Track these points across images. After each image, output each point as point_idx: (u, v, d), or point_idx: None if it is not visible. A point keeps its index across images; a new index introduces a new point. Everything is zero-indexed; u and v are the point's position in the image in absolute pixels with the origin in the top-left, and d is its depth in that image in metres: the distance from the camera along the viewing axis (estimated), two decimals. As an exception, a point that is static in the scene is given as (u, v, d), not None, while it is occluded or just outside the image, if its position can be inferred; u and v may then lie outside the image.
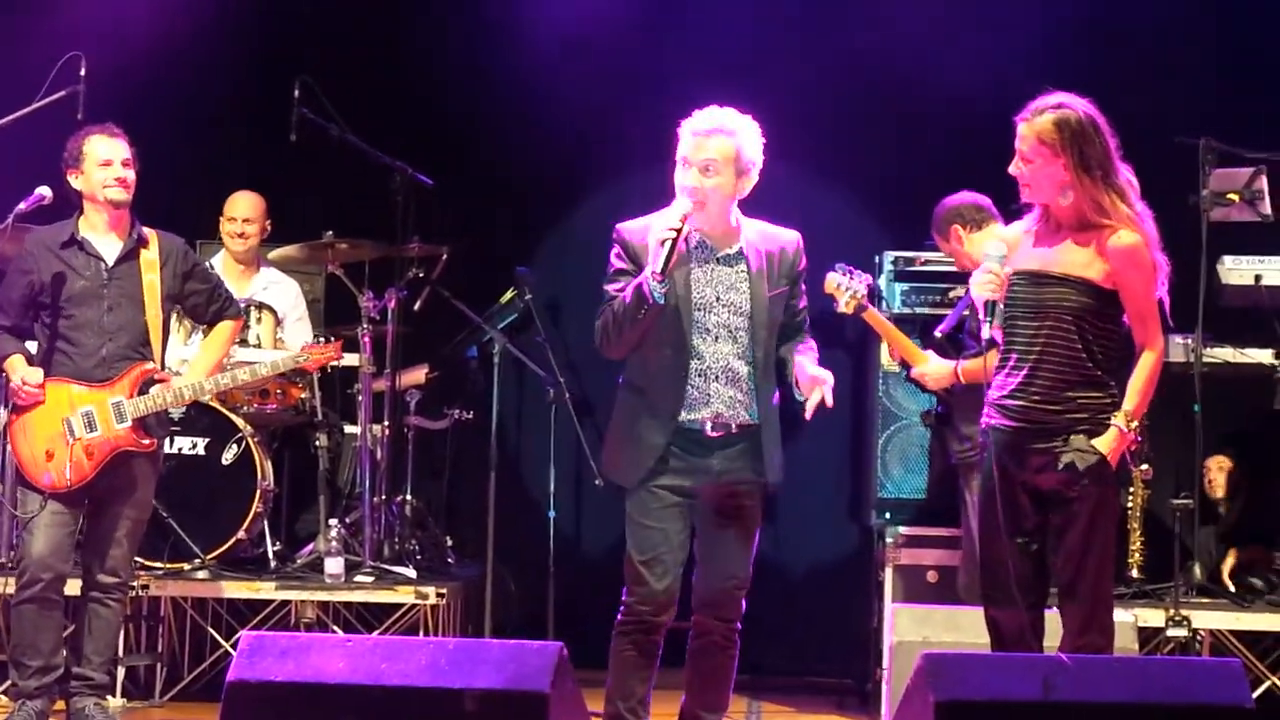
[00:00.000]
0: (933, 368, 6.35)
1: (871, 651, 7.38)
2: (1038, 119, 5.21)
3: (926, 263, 7.49)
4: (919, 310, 7.45)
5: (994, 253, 5.30)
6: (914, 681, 4.86)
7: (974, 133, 7.24)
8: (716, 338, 5.41)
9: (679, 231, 5.27)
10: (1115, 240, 5.18)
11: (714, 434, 5.40)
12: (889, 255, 7.56)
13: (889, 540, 7.30)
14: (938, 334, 5.81)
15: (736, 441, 5.44)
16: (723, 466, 5.44)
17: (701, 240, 5.45)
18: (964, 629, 6.01)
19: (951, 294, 7.35)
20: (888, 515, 7.41)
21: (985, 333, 5.29)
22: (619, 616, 5.48)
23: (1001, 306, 5.25)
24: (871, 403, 7.60)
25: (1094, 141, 5.18)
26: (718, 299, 5.42)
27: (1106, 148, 5.20)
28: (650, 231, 5.34)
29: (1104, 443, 5.15)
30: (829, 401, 5.37)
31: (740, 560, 5.52)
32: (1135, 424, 5.22)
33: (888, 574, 7.28)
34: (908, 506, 7.42)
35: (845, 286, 5.96)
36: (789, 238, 5.55)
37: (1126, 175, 5.25)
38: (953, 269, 7.10)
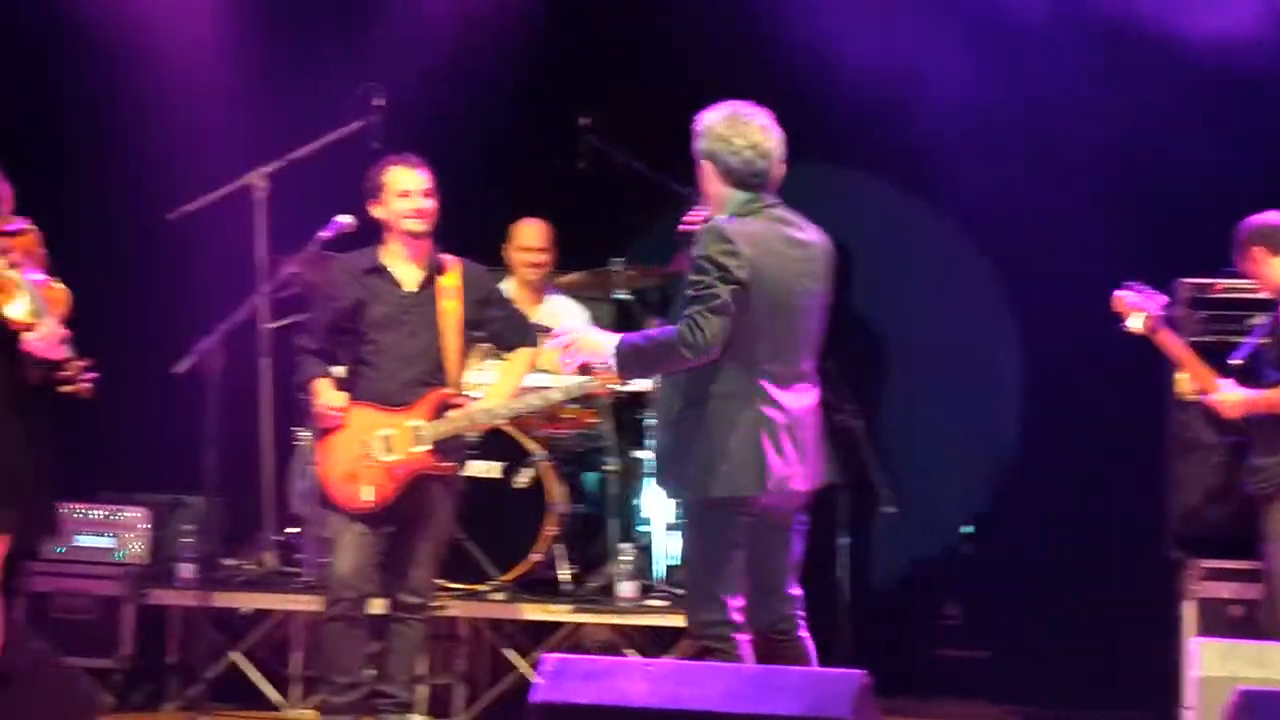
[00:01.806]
0: (1229, 395, 6.18)
1: (1171, 687, 7.20)
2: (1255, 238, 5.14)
3: (1226, 289, 7.29)
4: (1215, 338, 7.24)
5: None
6: (1229, 718, 4.73)
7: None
8: None
9: None
10: None
11: None
12: (1184, 281, 7.37)
13: (1189, 573, 7.12)
14: (1233, 362, 5.67)
15: None
16: None
17: None
18: (1274, 665, 5.83)
19: (1248, 321, 7.14)
20: (1187, 547, 7.23)
21: None
22: None
23: None
24: (1167, 431, 7.43)
25: None
26: None
27: None
28: None
29: None
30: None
31: None
32: None
33: (1187, 608, 7.10)
34: (1208, 538, 7.22)
35: (1135, 304, 5.84)
36: None
37: None
38: (1250, 295, 6.91)
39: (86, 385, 5.59)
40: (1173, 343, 6.13)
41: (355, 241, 6.71)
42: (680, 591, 7.34)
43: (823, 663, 6.14)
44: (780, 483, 5.33)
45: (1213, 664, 6.07)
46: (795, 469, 5.35)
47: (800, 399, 5.39)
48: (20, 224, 5.72)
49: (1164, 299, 5.90)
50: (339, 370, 6.59)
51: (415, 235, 6.53)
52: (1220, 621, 7.02)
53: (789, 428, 5.34)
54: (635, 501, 7.78)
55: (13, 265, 5.60)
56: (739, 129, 5.42)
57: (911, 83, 8.19)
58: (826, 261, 5.47)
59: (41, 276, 5.65)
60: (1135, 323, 5.81)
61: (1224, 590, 7.11)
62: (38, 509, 5.80)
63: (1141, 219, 8.01)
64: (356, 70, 7.97)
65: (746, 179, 5.41)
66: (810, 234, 5.46)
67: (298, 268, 7.01)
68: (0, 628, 5.73)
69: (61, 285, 5.69)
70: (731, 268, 5.24)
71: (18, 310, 5.56)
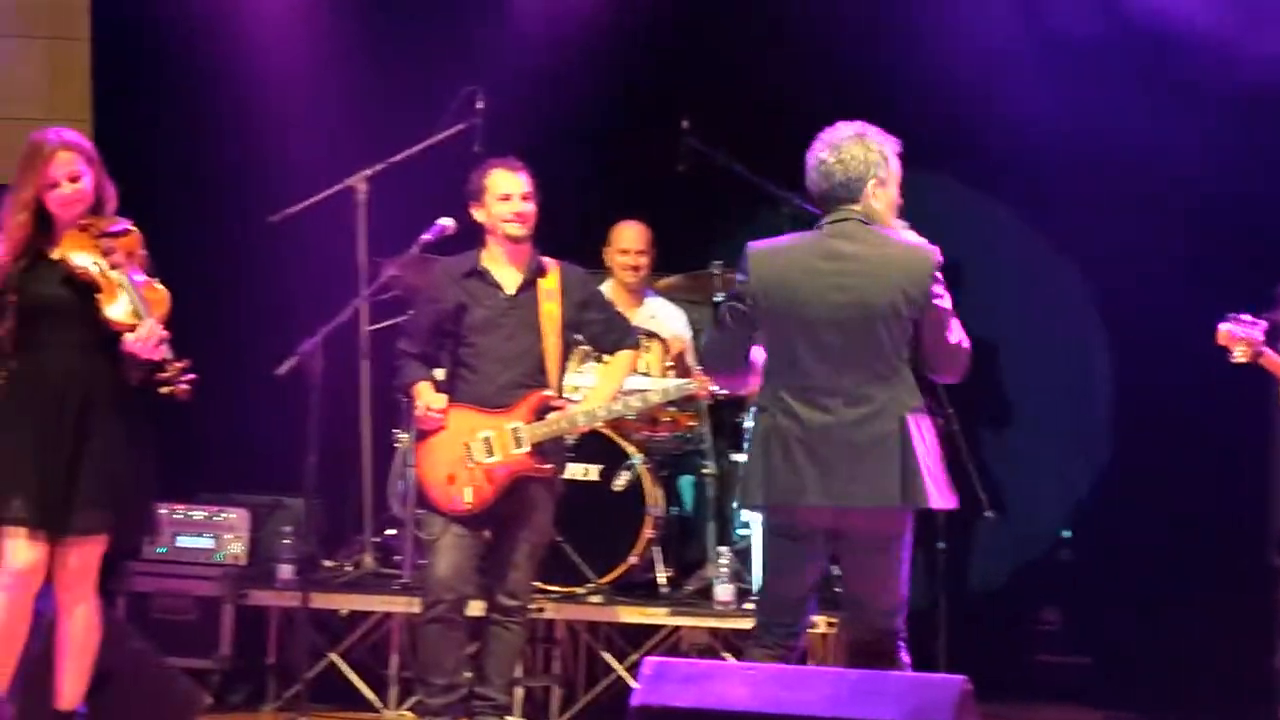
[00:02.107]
0: None
1: (1270, 695, 7.12)
2: None
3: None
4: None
5: None
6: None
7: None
8: None
9: None
10: None
11: None
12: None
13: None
14: None
15: None
16: None
17: None
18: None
19: None
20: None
21: None
22: None
23: None
24: (1270, 438, 7.34)
25: None
26: None
27: None
28: None
29: None
30: None
31: None
32: None
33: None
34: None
35: (1240, 335, 5.83)
36: None
37: None
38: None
39: (185, 387, 5.64)
40: (1274, 362, 6.09)
41: (456, 244, 6.73)
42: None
43: (922, 669, 6.12)
44: (785, 495, 5.31)
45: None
46: (807, 483, 5.28)
47: (831, 415, 5.29)
48: (123, 225, 5.78)
49: (1264, 324, 5.85)
50: (439, 373, 6.61)
51: (515, 240, 6.55)
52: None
53: (804, 440, 5.29)
54: (733, 504, 7.75)
55: (115, 266, 5.67)
56: (816, 149, 5.48)
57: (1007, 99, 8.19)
58: (887, 273, 5.33)
59: (143, 277, 5.72)
60: (1240, 354, 5.81)
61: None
62: (138, 510, 5.87)
63: (1231, 224, 7.97)
64: (459, 72, 7.99)
65: (816, 198, 5.50)
66: (864, 247, 5.35)
67: (398, 270, 7.04)
68: (99, 627, 5.80)
69: (162, 287, 5.75)
70: (737, 288, 5.46)
71: (119, 311, 5.62)
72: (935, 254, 5.38)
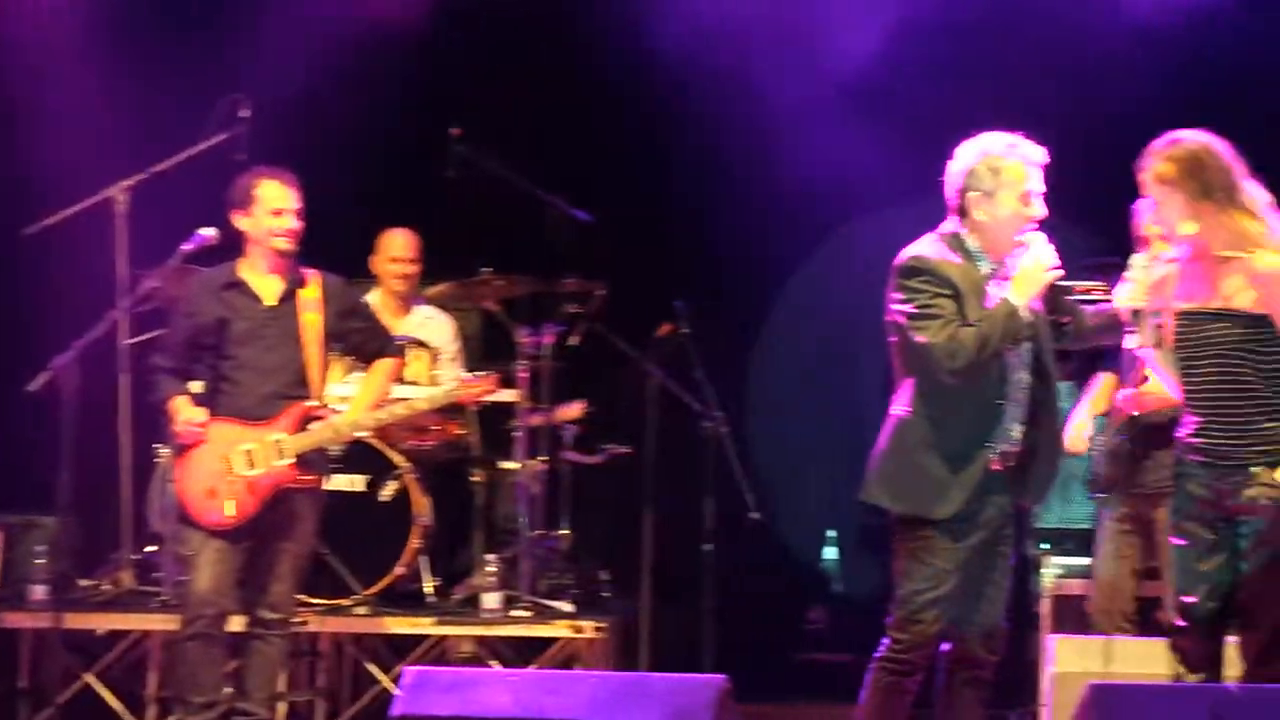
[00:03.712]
0: None
1: (1028, 683, 7.27)
2: (1152, 161, 5.22)
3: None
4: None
5: (1140, 262, 5.29)
6: (1080, 714, 4.81)
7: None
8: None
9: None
10: (1255, 263, 5.12)
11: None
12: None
13: (1047, 570, 7.20)
14: None
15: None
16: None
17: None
18: (1126, 660, 5.93)
19: None
20: (1046, 545, 7.31)
21: (1131, 343, 5.30)
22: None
23: (1150, 315, 5.22)
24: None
25: (1211, 167, 5.16)
26: None
27: (1227, 171, 5.17)
28: (1030, 262, 5.33)
29: None
30: None
31: None
32: None
33: (1045, 605, 7.17)
34: (1068, 536, 7.31)
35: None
36: None
37: (1255, 193, 5.20)
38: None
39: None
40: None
41: (219, 254, 6.63)
42: (543, 603, 7.35)
43: (687, 669, 6.17)
44: None
45: (1068, 660, 6.15)
46: None
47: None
48: None
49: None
50: (196, 386, 6.51)
51: (282, 255, 6.49)
52: (1077, 618, 7.08)
53: None
54: (501, 512, 7.76)
55: None
56: None
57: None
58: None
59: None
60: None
61: (1083, 588, 7.17)
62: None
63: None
64: (222, 80, 7.87)
65: None
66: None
67: (159, 282, 6.93)
68: None
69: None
70: None
71: None
72: (900, 258, 5.44)
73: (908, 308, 5.32)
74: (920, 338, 5.28)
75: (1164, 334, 5.23)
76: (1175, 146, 5.21)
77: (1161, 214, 5.25)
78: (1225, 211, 5.15)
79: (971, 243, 5.38)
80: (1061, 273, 5.33)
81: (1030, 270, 5.30)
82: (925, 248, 5.39)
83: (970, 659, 5.47)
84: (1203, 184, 5.15)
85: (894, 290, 5.38)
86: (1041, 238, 5.36)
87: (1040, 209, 5.37)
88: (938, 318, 5.26)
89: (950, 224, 5.43)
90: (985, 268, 5.37)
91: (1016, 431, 5.36)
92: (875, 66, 8.50)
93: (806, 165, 8.40)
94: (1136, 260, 5.36)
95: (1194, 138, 5.22)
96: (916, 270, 5.33)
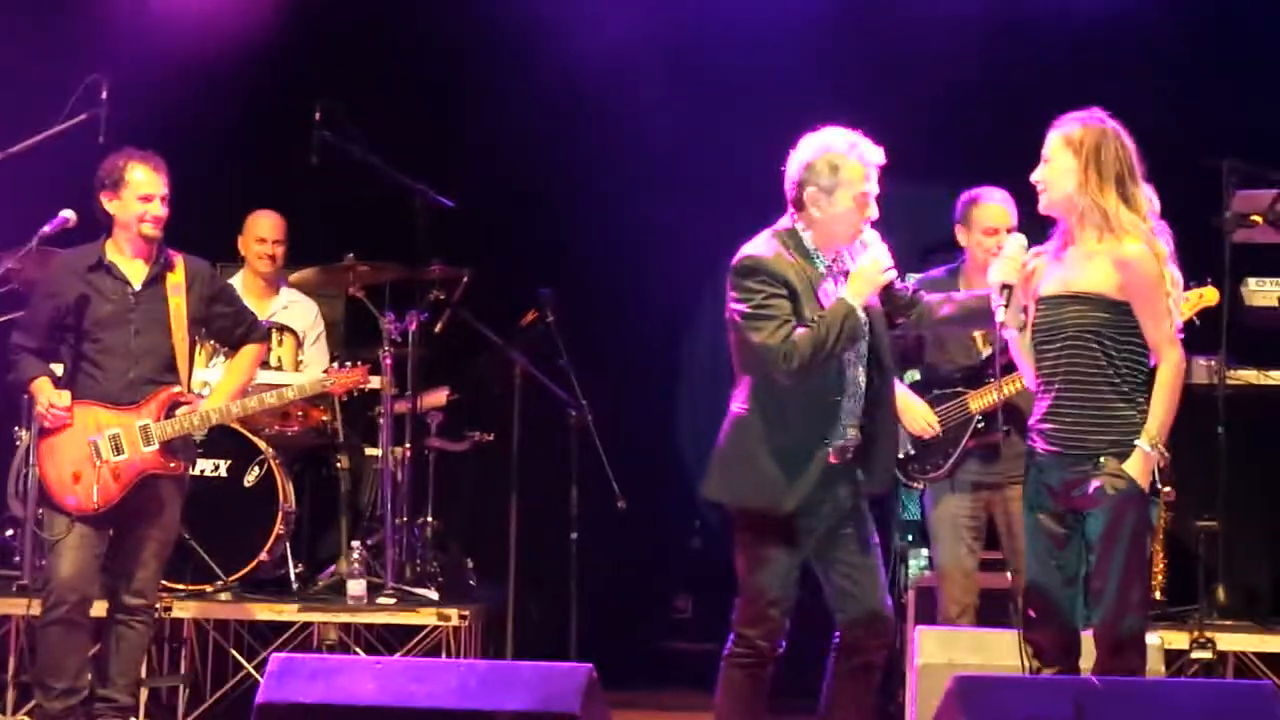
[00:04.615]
0: None
1: (894, 674, 7.35)
2: (1065, 123, 5.32)
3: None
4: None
5: (1015, 242, 5.38)
6: (944, 704, 4.86)
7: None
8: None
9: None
10: (1121, 250, 5.22)
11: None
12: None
13: (911, 562, 7.27)
14: None
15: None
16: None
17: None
18: (990, 651, 5.98)
19: None
20: (910, 538, 7.39)
21: (999, 317, 5.34)
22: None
23: (1019, 292, 5.31)
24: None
25: (1112, 150, 5.26)
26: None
27: (1126, 161, 5.27)
28: (867, 262, 5.36)
29: (1132, 466, 5.16)
30: None
31: None
32: (1159, 441, 5.21)
33: (910, 597, 7.25)
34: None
35: None
36: None
37: (1146, 193, 5.30)
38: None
39: None
40: None
41: (75, 234, 6.54)
42: (408, 590, 7.33)
43: (554, 657, 6.19)
44: None
45: (932, 651, 6.20)
46: None
47: None
48: None
49: None
50: (58, 368, 6.43)
51: (149, 240, 6.42)
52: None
53: None
54: (366, 499, 7.73)
55: None
56: None
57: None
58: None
59: None
60: None
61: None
62: None
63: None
64: (83, 61, 7.74)
65: None
66: None
67: (16, 264, 6.81)
68: None
69: None
70: None
71: None
72: (737, 257, 5.44)
73: (743, 307, 5.35)
74: (756, 338, 5.32)
75: (1026, 319, 5.33)
76: (1092, 118, 5.31)
77: (1048, 171, 5.31)
78: (1108, 193, 5.23)
79: (808, 239, 5.42)
80: (895, 273, 5.40)
81: (867, 270, 5.36)
82: (761, 246, 5.42)
83: (858, 646, 5.51)
84: (1101, 160, 5.23)
85: (730, 289, 5.41)
86: (877, 237, 5.42)
87: (874, 211, 5.41)
88: (773, 318, 5.30)
89: (786, 220, 5.47)
90: (820, 265, 5.42)
91: (854, 428, 5.40)
92: (731, 57, 8.57)
93: (672, 153, 8.47)
94: (1014, 239, 5.45)
95: (1111, 122, 5.32)
96: (752, 270, 5.36)
